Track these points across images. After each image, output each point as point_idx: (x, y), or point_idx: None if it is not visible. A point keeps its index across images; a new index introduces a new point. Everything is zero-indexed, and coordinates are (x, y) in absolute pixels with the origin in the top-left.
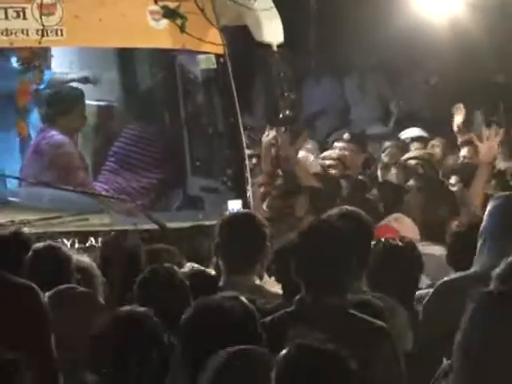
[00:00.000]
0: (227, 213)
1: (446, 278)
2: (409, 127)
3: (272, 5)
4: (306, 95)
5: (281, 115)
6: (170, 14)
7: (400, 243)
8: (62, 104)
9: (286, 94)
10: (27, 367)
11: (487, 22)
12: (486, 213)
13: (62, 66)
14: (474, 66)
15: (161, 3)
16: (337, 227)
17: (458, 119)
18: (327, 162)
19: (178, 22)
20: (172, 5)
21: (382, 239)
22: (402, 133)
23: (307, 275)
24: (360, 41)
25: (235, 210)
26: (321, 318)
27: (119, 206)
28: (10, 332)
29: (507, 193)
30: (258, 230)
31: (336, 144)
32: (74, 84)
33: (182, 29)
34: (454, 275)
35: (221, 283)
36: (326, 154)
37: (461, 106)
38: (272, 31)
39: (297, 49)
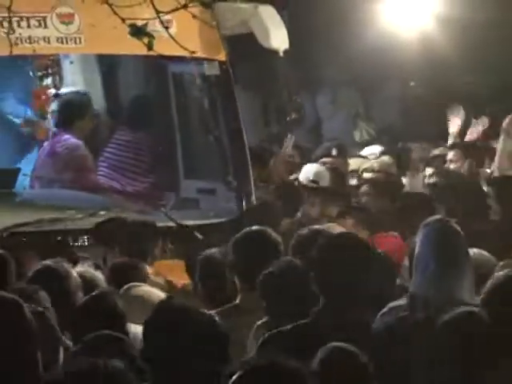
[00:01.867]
0: (242, 231)
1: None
2: (383, 140)
3: (275, 12)
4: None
5: (288, 118)
6: (136, 32)
7: None
8: (77, 109)
9: (293, 97)
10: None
11: (452, 34)
12: (418, 239)
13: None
14: (442, 73)
15: (128, 22)
16: (361, 241)
17: (457, 121)
18: (369, 175)
19: (145, 40)
20: (140, 23)
21: None
22: (364, 150)
23: (331, 288)
24: (332, 56)
25: (249, 228)
26: (340, 330)
27: (131, 204)
28: None
29: (437, 217)
30: (273, 247)
31: (325, 159)
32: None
33: (149, 47)
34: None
35: (237, 300)
36: (367, 165)
37: (460, 108)
38: (278, 37)
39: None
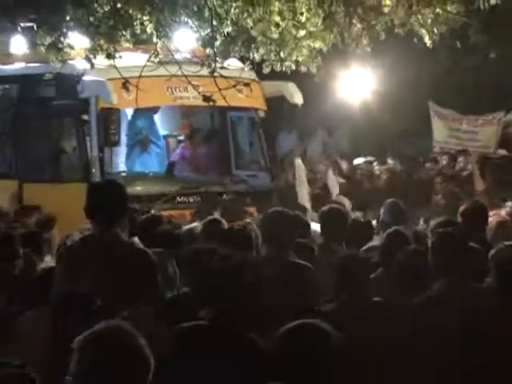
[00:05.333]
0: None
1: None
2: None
3: (295, 85)
4: (280, 141)
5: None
6: (206, 99)
7: None
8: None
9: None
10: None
11: (381, 101)
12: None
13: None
14: (374, 122)
15: (202, 93)
16: None
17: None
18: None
19: (211, 103)
20: (208, 94)
21: None
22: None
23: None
24: (313, 110)
25: (274, 208)
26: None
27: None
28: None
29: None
30: (298, 222)
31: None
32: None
33: (213, 101)
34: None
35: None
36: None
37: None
38: (298, 97)
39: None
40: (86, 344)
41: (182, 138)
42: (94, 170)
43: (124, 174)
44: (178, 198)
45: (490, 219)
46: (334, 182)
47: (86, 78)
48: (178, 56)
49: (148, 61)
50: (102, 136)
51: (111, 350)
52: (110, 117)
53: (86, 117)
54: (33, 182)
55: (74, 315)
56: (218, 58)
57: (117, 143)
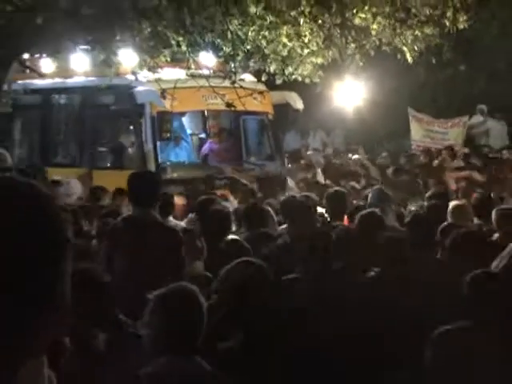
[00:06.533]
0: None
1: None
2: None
3: (297, 95)
4: (287, 139)
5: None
6: (228, 105)
7: None
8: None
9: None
10: None
11: (372, 106)
12: None
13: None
14: (365, 126)
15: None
16: None
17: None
18: None
19: (232, 108)
20: (230, 100)
21: None
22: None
23: None
24: (312, 115)
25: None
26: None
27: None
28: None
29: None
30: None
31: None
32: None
33: (234, 107)
34: None
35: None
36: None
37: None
38: (299, 103)
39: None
40: (165, 297)
41: (202, 136)
42: (148, 160)
43: (168, 163)
44: (218, 181)
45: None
46: (320, 176)
47: (140, 87)
48: (205, 71)
49: (186, 75)
50: (158, 133)
51: (186, 301)
52: (164, 118)
53: (141, 118)
54: (100, 169)
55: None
56: (237, 72)
57: (169, 139)
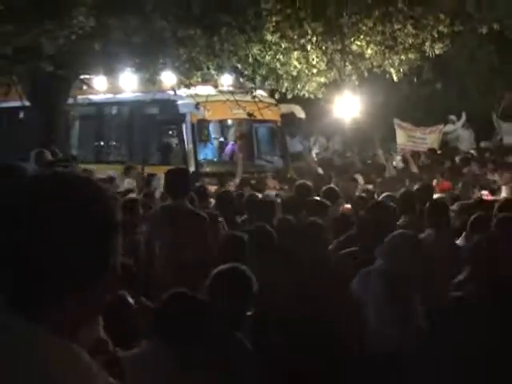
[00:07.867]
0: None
1: None
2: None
3: (299, 107)
4: (293, 143)
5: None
6: (249, 115)
7: None
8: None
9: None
10: None
11: (366, 117)
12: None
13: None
14: (360, 133)
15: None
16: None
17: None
18: None
19: (252, 117)
20: (250, 111)
21: None
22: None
23: None
24: (315, 124)
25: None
26: None
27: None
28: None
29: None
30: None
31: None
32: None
33: (254, 116)
34: None
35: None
36: None
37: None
38: (302, 114)
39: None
40: (220, 275)
41: (221, 139)
42: (189, 158)
43: (204, 161)
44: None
45: None
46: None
47: (180, 101)
48: (231, 87)
49: (216, 91)
50: (197, 136)
51: (239, 278)
52: (201, 125)
53: (183, 125)
54: (150, 165)
55: None
56: (255, 89)
57: (205, 141)
